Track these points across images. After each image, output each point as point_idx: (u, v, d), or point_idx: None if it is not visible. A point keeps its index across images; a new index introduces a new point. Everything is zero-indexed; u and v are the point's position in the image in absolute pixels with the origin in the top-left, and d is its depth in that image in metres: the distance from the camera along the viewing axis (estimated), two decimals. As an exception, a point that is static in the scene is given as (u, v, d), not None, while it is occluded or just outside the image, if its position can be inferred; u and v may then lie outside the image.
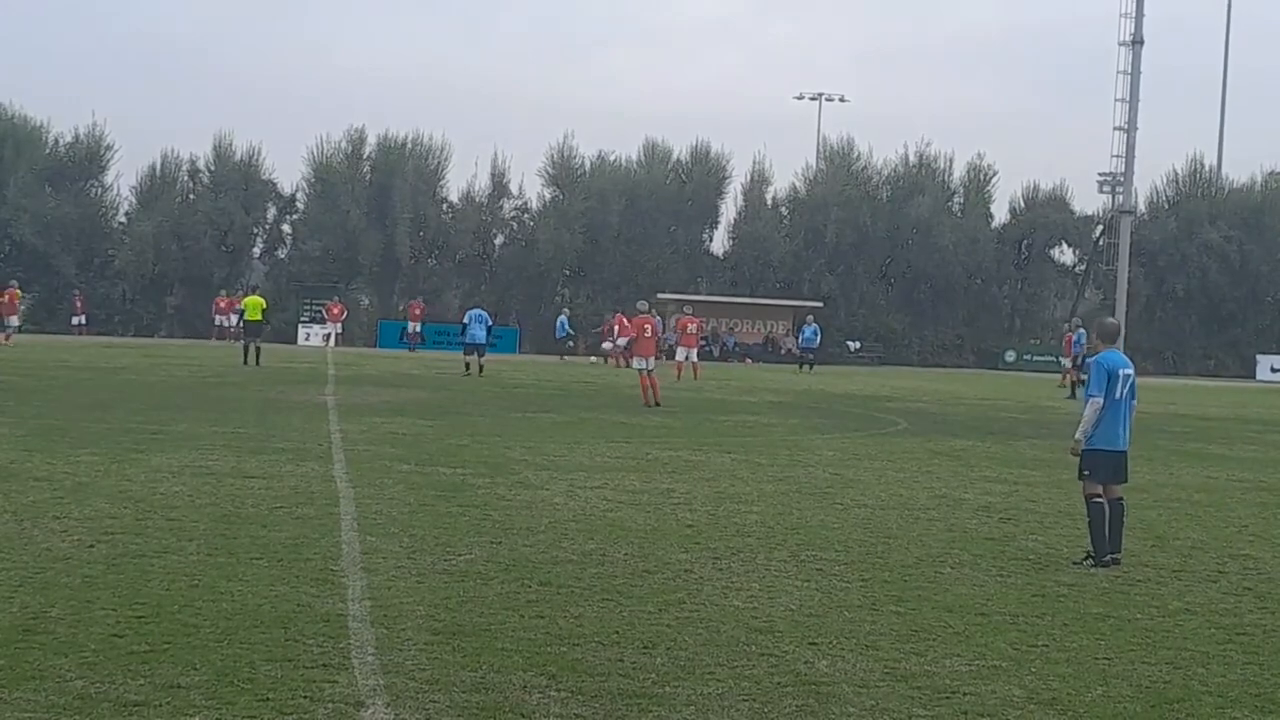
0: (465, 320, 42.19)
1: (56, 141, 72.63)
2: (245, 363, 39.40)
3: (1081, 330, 42.53)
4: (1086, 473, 12.41)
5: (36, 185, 68.77)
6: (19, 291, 52.09)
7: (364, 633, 8.64)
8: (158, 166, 72.54)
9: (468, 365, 40.08)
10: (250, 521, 12.54)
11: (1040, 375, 59.08)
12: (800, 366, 54.36)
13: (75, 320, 62.40)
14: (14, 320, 50.08)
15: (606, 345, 52.86)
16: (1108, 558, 12.03)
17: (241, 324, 43.39)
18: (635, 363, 31.11)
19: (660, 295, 67.23)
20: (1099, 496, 12.28)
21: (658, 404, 29.08)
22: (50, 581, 9.76)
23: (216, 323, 63.08)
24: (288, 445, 18.80)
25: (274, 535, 11.86)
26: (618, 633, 8.97)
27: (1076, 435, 12.47)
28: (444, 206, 74.32)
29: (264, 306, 42.72)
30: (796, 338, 59.74)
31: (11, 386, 28.10)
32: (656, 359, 31.44)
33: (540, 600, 9.80)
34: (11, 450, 17.03)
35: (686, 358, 43.00)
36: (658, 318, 32.86)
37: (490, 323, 43.16)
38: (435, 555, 11.27)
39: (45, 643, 8.15)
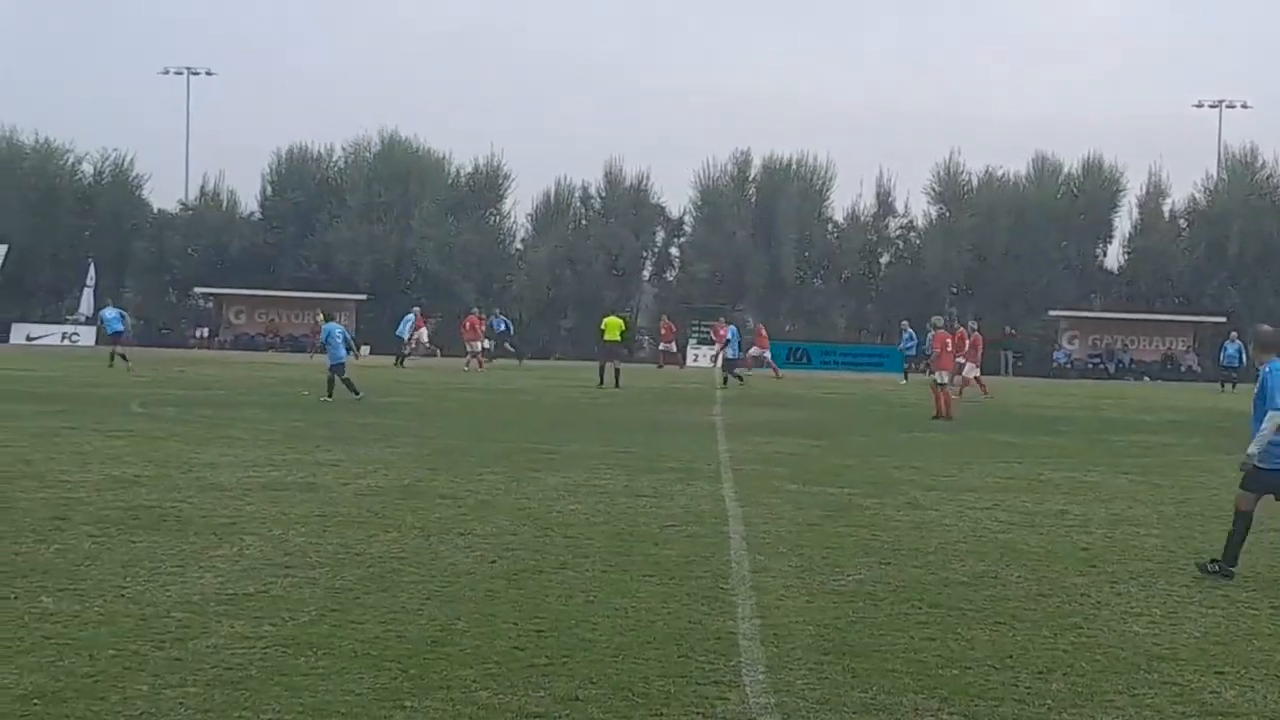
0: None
1: (458, 172, 76.22)
2: (600, 384, 38.67)
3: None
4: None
5: (440, 215, 72.18)
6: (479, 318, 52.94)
7: (754, 651, 8.70)
8: (551, 194, 75.29)
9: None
10: (642, 539, 12.80)
11: None
12: (1224, 386, 51.63)
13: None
14: (477, 345, 51.23)
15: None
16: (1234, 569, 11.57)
17: (601, 344, 43.77)
18: (939, 377, 30.22)
19: (1052, 312, 65.90)
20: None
21: (948, 417, 29.02)
22: (456, 595, 10.18)
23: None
24: (677, 464, 19.10)
25: (665, 553, 12.07)
26: (1011, 657, 8.77)
27: (1251, 450, 11.66)
28: (829, 226, 74.48)
29: (623, 328, 41.78)
30: (1218, 356, 56.80)
31: (413, 408, 29.51)
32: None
33: (931, 622, 9.68)
34: (418, 469, 17.87)
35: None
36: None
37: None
38: (824, 575, 11.26)
39: (452, 654, 8.49)
